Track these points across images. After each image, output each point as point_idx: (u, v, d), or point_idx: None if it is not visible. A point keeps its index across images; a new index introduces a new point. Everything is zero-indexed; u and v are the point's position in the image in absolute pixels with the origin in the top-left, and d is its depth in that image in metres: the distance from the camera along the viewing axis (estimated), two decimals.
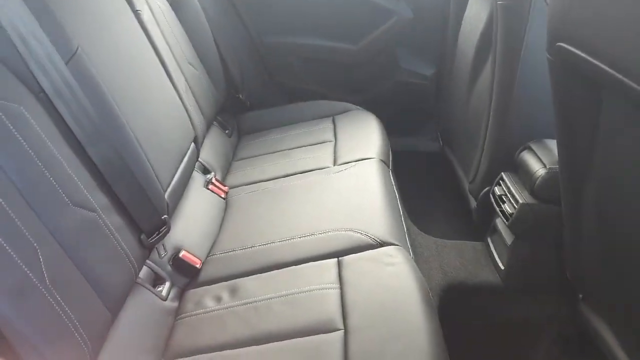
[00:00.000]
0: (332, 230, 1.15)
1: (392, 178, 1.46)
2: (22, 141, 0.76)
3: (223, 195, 1.43)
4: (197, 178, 1.42)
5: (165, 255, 1.10)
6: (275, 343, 0.90)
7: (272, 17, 1.91)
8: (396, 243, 1.10)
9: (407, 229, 1.30)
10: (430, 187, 1.86)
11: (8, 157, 0.74)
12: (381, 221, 1.16)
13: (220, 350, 0.92)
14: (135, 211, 0.97)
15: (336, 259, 1.07)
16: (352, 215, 1.18)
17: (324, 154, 1.54)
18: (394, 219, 1.20)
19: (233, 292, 1.05)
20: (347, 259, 1.06)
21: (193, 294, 1.09)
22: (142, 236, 0.99)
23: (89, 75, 0.95)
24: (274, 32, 1.94)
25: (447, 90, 1.79)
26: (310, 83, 2.03)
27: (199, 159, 1.49)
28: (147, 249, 1.02)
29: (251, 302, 1.00)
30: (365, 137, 1.60)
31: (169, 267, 1.10)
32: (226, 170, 1.61)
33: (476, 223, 1.50)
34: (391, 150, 1.64)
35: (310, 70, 1.99)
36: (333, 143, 1.61)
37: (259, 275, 1.08)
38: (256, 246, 1.16)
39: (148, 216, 1.01)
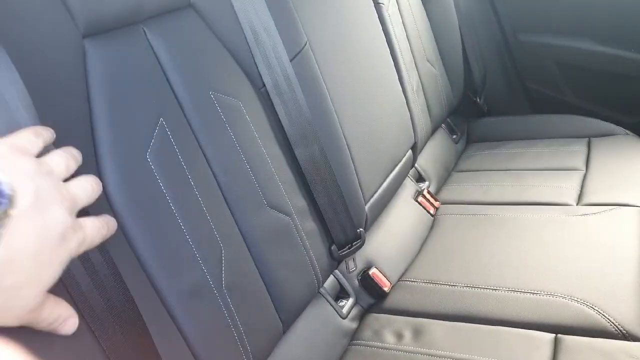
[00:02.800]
0: (558, 294, 0.89)
1: None
2: (233, 136, 0.76)
3: (432, 211, 1.28)
4: (408, 186, 1.30)
5: (354, 270, 1.02)
6: None
7: (534, 13, 1.62)
8: None
9: None
10: None
11: (216, 151, 0.73)
12: (632, 302, 0.85)
13: None
14: (330, 220, 0.91)
15: (553, 336, 0.83)
16: (589, 282, 0.90)
17: (567, 186, 1.25)
18: None
19: (417, 333, 0.91)
20: (569, 340, 0.81)
21: (374, 319, 0.98)
22: (333, 247, 0.93)
23: (311, 73, 0.91)
24: (533, 30, 1.64)
25: None
26: (567, 93, 1.68)
27: (415, 165, 1.36)
28: (335, 261, 0.95)
29: (434, 356, 0.85)
30: (629, 174, 1.24)
31: (356, 282, 1.03)
32: (443, 181, 1.45)
33: None
34: None
35: (571, 78, 1.64)
36: (582, 173, 1.29)
37: (451, 323, 0.92)
38: (456, 285, 0.99)
39: (343, 227, 0.93)
